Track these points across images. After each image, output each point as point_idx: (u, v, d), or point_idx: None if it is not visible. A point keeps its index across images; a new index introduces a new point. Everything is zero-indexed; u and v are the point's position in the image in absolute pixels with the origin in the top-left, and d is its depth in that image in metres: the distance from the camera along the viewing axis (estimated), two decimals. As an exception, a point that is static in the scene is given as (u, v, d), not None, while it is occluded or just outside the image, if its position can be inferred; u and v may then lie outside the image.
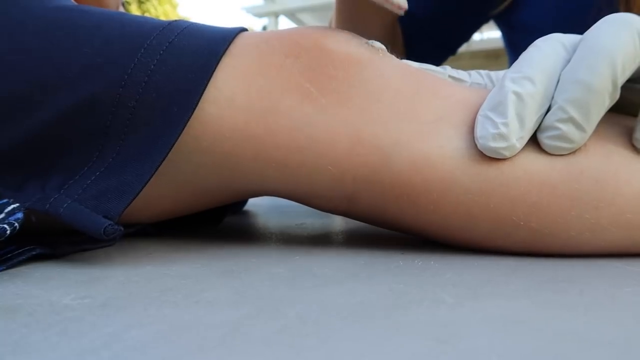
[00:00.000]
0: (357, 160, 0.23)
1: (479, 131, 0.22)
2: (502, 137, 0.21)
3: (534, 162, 0.22)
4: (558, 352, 0.12)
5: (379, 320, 0.15)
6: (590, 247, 0.23)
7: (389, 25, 0.53)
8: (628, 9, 0.46)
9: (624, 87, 0.22)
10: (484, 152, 0.22)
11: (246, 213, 0.44)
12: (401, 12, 0.24)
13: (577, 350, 0.13)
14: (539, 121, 0.22)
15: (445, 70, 0.27)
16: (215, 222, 0.35)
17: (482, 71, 0.28)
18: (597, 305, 0.16)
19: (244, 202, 0.45)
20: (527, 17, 0.56)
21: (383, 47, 0.25)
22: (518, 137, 0.22)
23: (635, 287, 0.18)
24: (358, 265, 0.22)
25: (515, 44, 0.62)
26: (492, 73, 0.28)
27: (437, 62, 0.61)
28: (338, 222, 0.37)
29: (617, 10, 0.46)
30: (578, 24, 0.49)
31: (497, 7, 0.57)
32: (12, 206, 0.21)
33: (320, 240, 0.29)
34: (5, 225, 0.20)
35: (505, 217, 0.22)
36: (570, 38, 0.23)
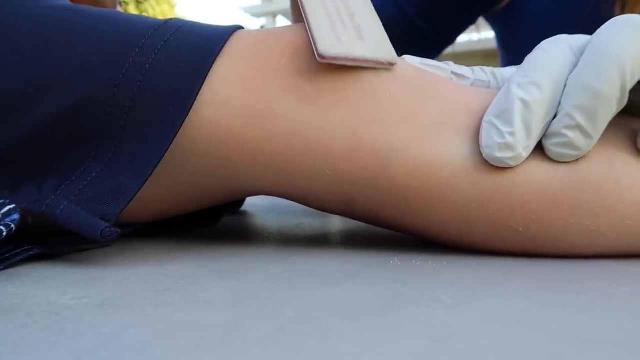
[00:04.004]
0: (355, 164, 0.23)
1: (484, 140, 0.22)
2: (508, 146, 0.21)
3: (535, 169, 0.22)
4: (556, 351, 0.12)
5: (376, 320, 0.15)
6: (588, 252, 0.23)
7: None
8: (624, 2, 0.46)
9: (631, 90, 0.22)
10: (489, 161, 0.22)
11: (244, 213, 0.44)
12: (389, 67, 0.24)
13: (575, 350, 0.13)
14: (546, 128, 0.22)
15: (448, 67, 0.27)
16: (213, 222, 0.35)
17: (485, 68, 0.28)
18: (595, 305, 0.16)
19: (241, 202, 0.45)
20: (525, 14, 0.56)
21: None
22: (524, 146, 0.21)
23: (632, 286, 0.18)
24: (356, 265, 0.22)
25: (509, 44, 0.62)
26: (496, 70, 0.27)
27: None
28: (336, 222, 0.37)
29: (612, 2, 0.46)
30: (575, 19, 0.49)
31: (498, 4, 0.57)
32: (8, 207, 0.21)
33: (318, 240, 0.29)
34: (2, 227, 0.20)
35: (504, 223, 0.22)
36: (578, 40, 0.23)
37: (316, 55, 0.22)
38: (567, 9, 0.51)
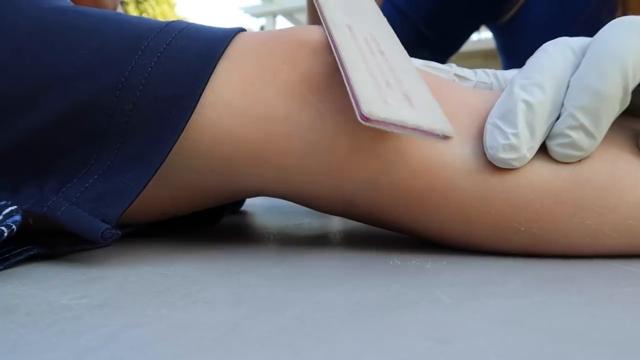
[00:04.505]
0: (356, 166, 0.23)
1: (488, 141, 0.22)
2: (512, 148, 0.21)
3: (538, 169, 0.22)
4: (557, 351, 0.12)
5: (376, 321, 0.15)
6: (590, 252, 0.23)
7: None
8: (625, 7, 0.46)
9: (633, 91, 0.22)
10: (493, 162, 0.22)
11: (244, 213, 0.44)
12: (444, 141, 0.20)
13: (576, 350, 0.13)
14: (549, 129, 0.22)
15: (451, 68, 0.27)
16: (213, 222, 0.35)
17: (488, 70, 0.28)
18: (596, 305, 0.16)
19: (242, 202, 0.45)
20: (525, 21, 0.56)
21: None
22: (528, 147, 0.21)
23: (634, 286, 0.18)
24: (356, 265, 0.22)
25: (510, 49, 0.62)
26: (499, 72, 0.28)
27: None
28: (336, 223, 0.37)
29: (614, 8, 0.46)
30: (575, 25, 0.49)
31: (504, 15, 0.57)
32: (10, 208, 0.21)
33: (318, 241, 0.29)
34: (3, 228, 0.20)
35: (506, 223, 0.22)
36: (579, 41, 0.23)
37: (357, 115, 0.19)
38: (568, 18, 0.51)
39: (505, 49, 0.63)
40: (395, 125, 0.19)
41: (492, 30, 0.64)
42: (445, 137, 0.20)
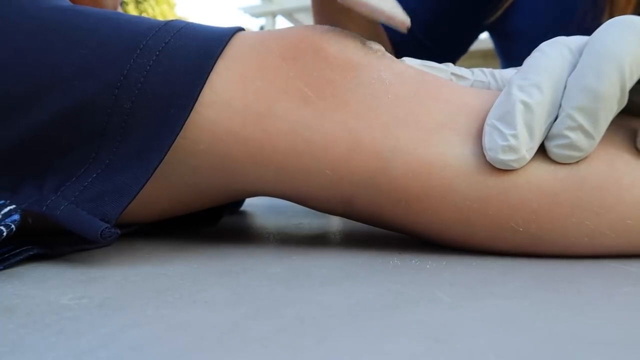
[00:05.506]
0: (355, 165, 0.23)
1: (487, 142, 0.22)
2: (511, 149, 0.21)
3: (536, 170, 0.22)
4: (556, 351, 0.12)
5: (376, 320, 0.15)
6: (588, 251, 0.23)
7: (370, 27, 0.53)
8: (612, 10, 0.46)
9: (631, 89, 0.22)
10: (493, 164, 0.22)
11: (243, 213, 0.44)
12: (404, 30, 0.24)
13: (575, 350, 0.13)
14: (548, 129, 0.22)
15: (448, 68, 0.27)
16: (213, 222, 0.35)
17: (485, 69, 0.28)
18: (595, 305, 0.16)
19: (241, 202, 0.45)
20: (517, 24, 0.56)
21: (381, 48, 0.25)
22: (528, 148, 0.21)
23: (633, 286, 0.18)
24: (355, 265, 0.22)
25: (506, 51, 0.62)
26: (496, 71, 0.28)
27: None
28: (335, 222, 0.37)
29: (602, 11, 0.46)
30: (566, 27, 0.50)
31: (490, 16, 0.58)
32: (9, 207, 0.21)
33: (317, 241, 0.29)
34: (2, 227, 0.20)
35: (505, 224, 0.22)
36: (576, 40, 0.23)
37: None
38: (560, 19, 0.51)
39: (501, 50, 0.64)
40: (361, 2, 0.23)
41: (489, 33, 0.64)
42: (404, 26, 0.24)
